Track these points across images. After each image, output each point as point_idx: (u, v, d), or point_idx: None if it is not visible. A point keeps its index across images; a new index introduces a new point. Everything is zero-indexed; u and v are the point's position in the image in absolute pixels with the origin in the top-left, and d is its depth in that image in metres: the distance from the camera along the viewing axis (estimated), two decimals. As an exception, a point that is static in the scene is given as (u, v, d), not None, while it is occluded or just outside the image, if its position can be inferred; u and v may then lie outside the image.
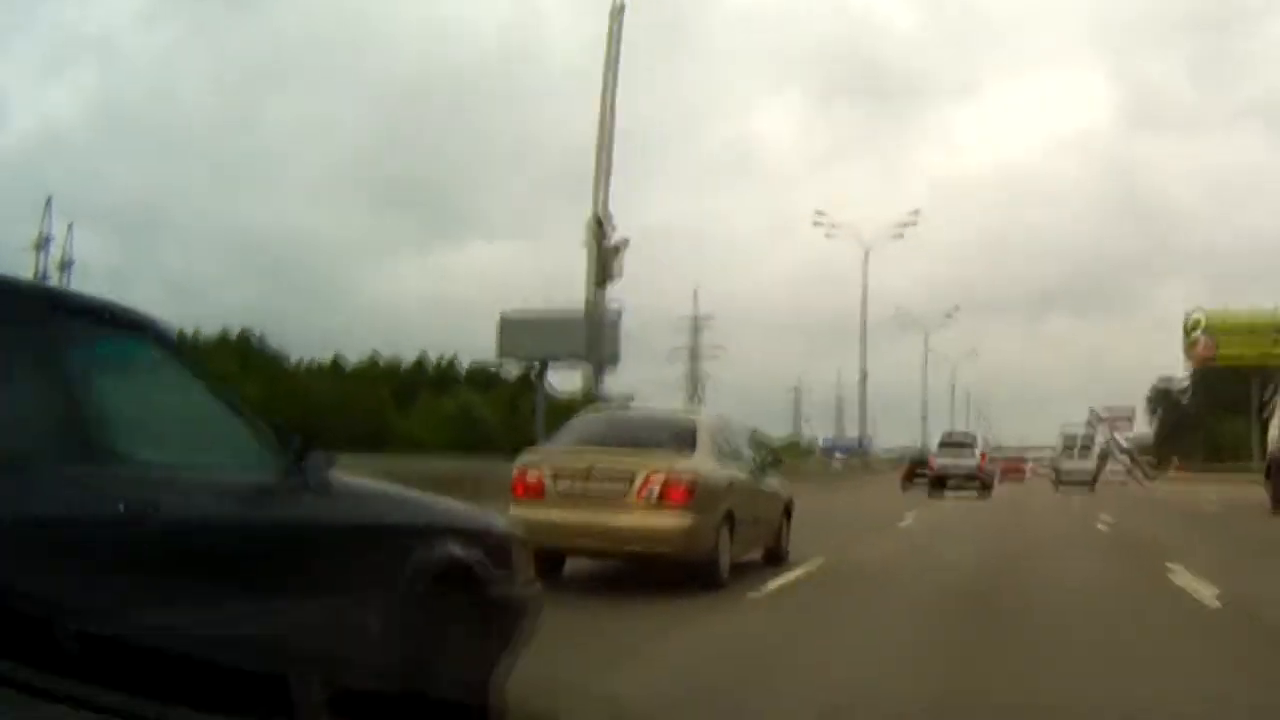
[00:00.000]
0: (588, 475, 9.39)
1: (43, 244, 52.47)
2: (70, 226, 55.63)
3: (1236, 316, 55.12)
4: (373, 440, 35.95)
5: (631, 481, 9.26)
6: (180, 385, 3.78)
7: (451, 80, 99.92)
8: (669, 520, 9.13)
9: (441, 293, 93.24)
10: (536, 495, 9.49)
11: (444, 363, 64.06)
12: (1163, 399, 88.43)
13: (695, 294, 78.68)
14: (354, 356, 59.64)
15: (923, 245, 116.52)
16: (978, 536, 16.94)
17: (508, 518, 6.33)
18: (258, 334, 55.81)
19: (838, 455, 69.48)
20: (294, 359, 56.16)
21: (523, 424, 50.88)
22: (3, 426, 3.10)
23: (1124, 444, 57.40)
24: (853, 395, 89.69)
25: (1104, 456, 52.26)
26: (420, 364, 63.45)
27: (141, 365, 3.72)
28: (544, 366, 48.70)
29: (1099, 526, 19.18)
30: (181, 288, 74.24)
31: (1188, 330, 55.65)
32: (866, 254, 44.88)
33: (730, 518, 9.71)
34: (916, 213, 45.90)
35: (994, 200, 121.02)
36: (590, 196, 28.55)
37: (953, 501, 30.31)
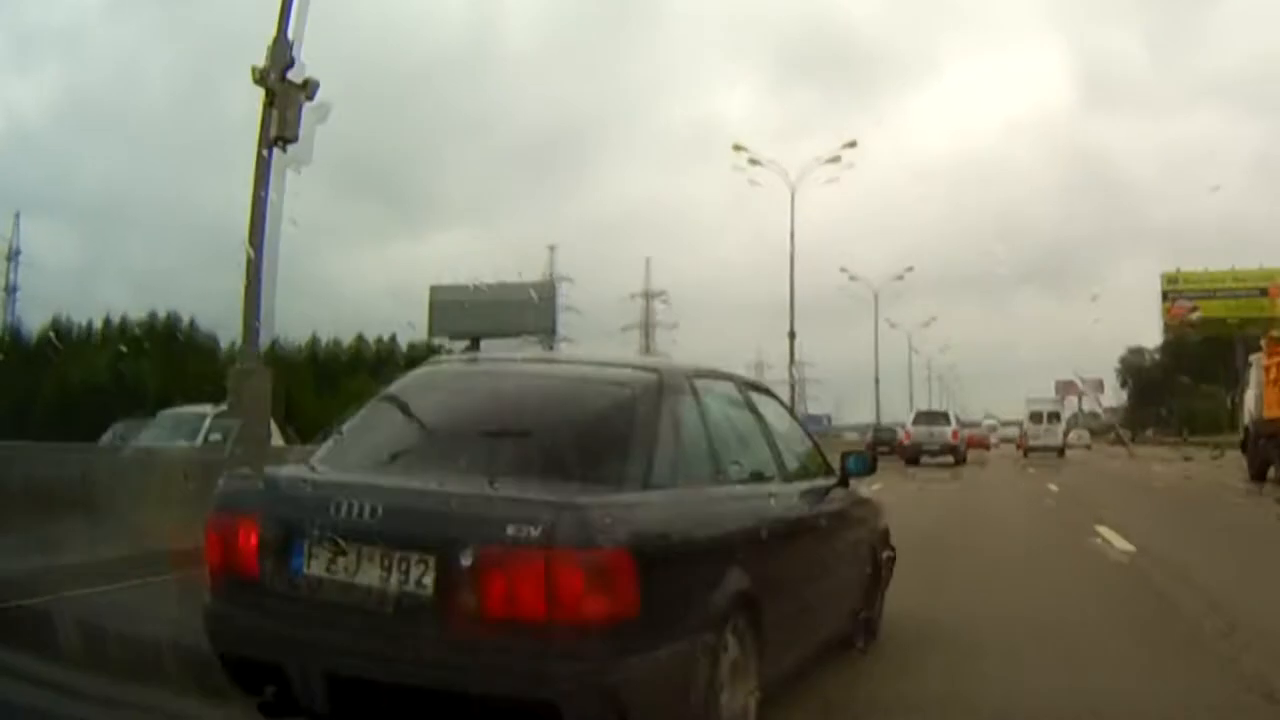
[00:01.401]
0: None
1: (12, 256, 52.92)
2: (17, 216, 53.72)
3: (1217, 275, 52.55)
4: (280, 425, 32.66)
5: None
6: (773, 421, 5.70)
7: (409, 60, 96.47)
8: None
9: (410, 278, 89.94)
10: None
11: (383, 345, 60.99)
12: (1134, 369, 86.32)
13: (647, 264, 75.58)
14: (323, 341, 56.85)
15: (887, 227, 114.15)
16: (942, 501, 19.31)
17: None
18: (187, 319, 52.51)
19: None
20: (226, 344, 53.17)
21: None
22: (760, 460, 5.35)
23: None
24: (814, 374, 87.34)
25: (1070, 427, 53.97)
26: (358, 347, 60.31)
27: (769, 412, 5.73)
28: (476, 344, 45.73)
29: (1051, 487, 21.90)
30: (144, 278, 71.24)
31: (1166, 289, 53.08)
32: (793, 194, 40.93)
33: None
34: (852, 144, 41.87)
35: (955, 179, 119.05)
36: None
37: (924, 471, 31.94)
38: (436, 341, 54.54)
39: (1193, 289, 53.11)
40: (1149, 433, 75.75)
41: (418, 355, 60.76)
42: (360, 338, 60.22)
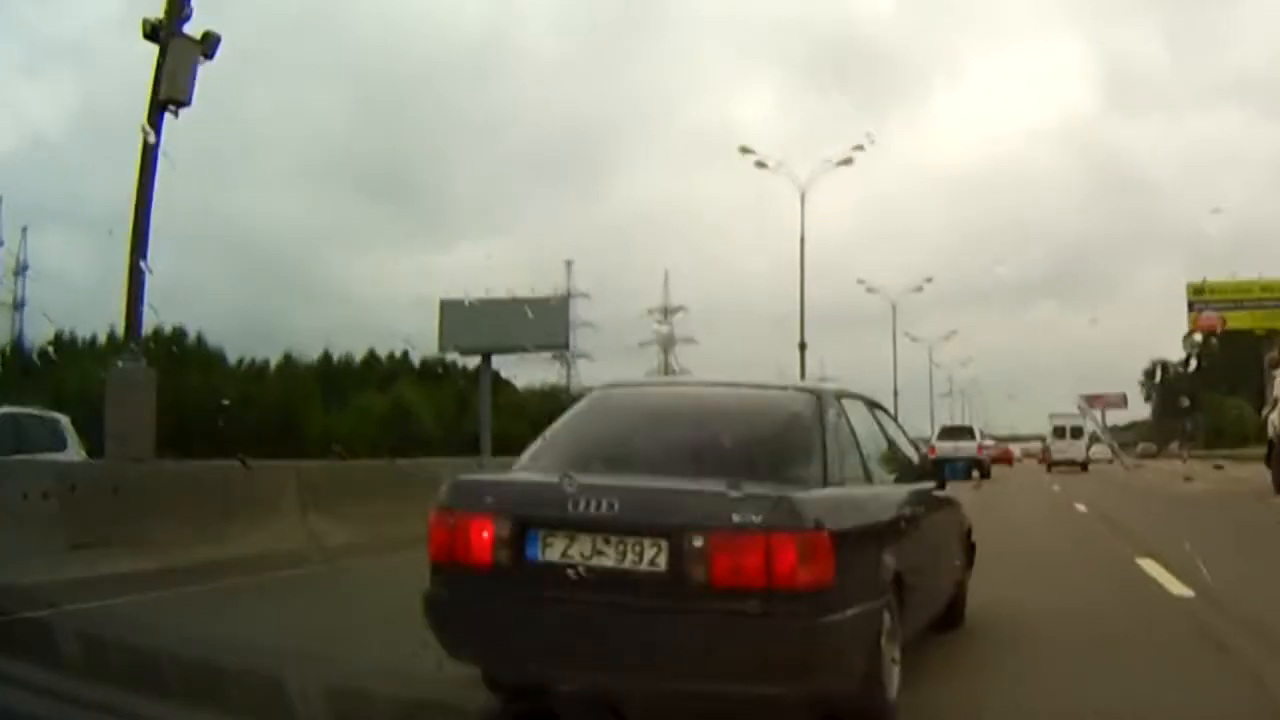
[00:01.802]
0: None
1: (20, 270, 53.95)
2: (24, 230, 53.71)
3: (1245, 284, 51.30)
4: (281, 441, 31.94)
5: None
6: (891, 433, 6.72)
7: (425, 66, 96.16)
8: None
9: (428, 289, 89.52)
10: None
11: (396, 358, 60.42)
12: (1158, 381, 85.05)
13: (665, 277, 74.80)
14: (336, 354, 56.65)
15: (905, 236, 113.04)
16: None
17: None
18: (194, 331, 52.03)
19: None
20: (239, 357, 52.59)
21: (470, 422, 47.14)
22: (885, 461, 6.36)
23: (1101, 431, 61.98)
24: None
25: (1092, 442, 55.59)
26: (370, 360, 59.74)
27: (887, 424, 6.72)
28: (487, 359, 44.97)
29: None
30: (165, 289, 71.09)
31: (1191, 299, 51.80)
32: (803, 197, 39.80)
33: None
34: (866, 139, 40.73)
35: (973, 186, 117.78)
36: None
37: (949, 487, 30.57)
38: (450, 357, 54.11)
39: (1220, 299, 51.83)
40: (1173, 446, 74.47)
41: (429, 369, 60.42)
42: (372, 353, 59.79)
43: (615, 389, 6.31)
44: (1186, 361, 68.58)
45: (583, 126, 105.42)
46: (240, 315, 77.99)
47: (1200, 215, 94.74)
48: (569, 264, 67.91)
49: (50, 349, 40.71)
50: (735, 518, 4.46)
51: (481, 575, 4.74)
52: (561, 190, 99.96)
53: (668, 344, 73.80)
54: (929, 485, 6.82)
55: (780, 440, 5.32)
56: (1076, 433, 53.56)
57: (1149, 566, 10.23)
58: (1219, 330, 53.18)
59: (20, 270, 56.02)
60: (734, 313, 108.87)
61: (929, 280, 58.27)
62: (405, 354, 59.28)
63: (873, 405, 6.61)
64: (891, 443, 6.61)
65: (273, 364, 52.31)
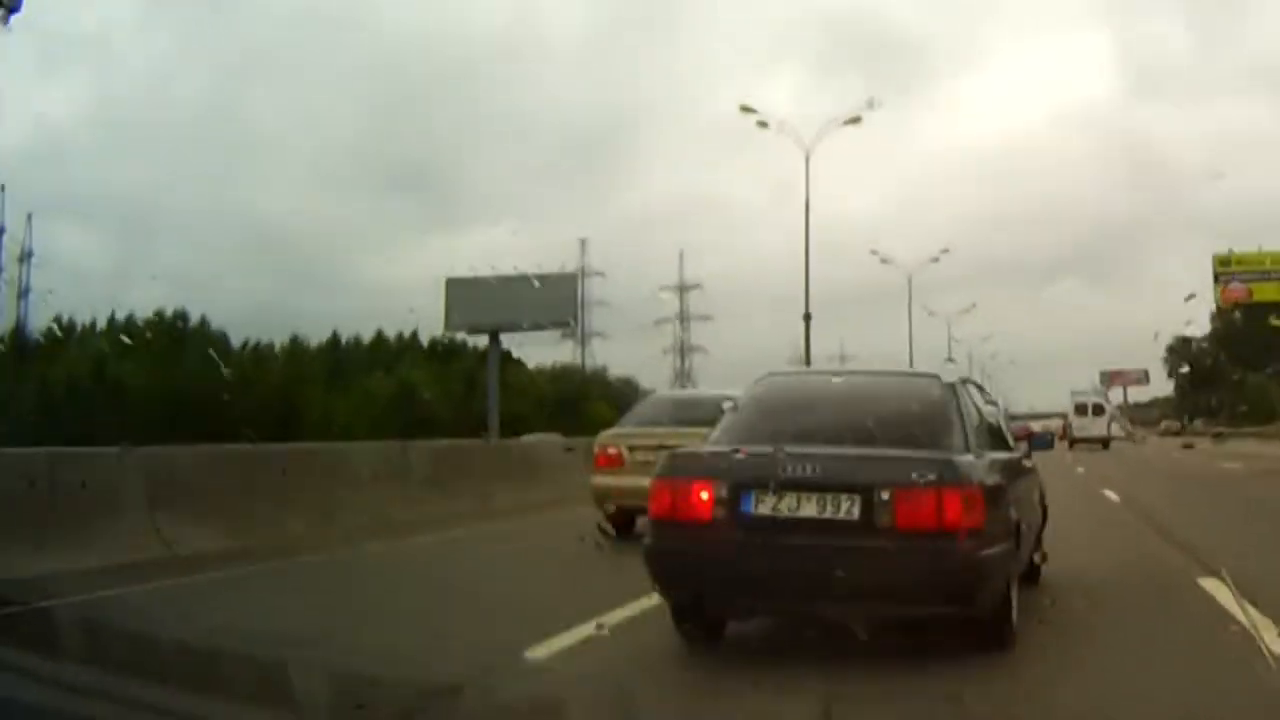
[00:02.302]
0: (659, 449, 9.18)
1: (25, 257, 51.23)
2: (29, 217, 53.05)
3: (1273, 255, 49.92)
4: (279, 425, 31.06)
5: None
6: (989, 412, 7.77)
7: (445, 60, 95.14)
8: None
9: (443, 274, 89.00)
10: (616, 465, 11.88)
11: (405, 338, 59.49)
12: (1181, 357, 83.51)
13: (681, 256, 73.70)
14: (345, 337, 56.01)
15: (926, 216, 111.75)
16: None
17: (590, 483, 12.26)
18: (198, 315, 51.31)
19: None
20: (241, 340, 51.84)
21: (478, 402, 46.14)
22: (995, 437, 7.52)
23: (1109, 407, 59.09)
24: (856, 367, 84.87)
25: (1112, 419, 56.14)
26: (379, 342, 58.85)
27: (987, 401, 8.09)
28: (495, 337, 43.98)
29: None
30: (189, 280, 70.98)
31: (1218, 271, 50.49)
32: (807, 158, 37.82)
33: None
34: (871, 104, 38.91)
35: (995, 170, 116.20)
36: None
37: None
38: (459, 337, 53.08)
39: (1246, 270, 50.55)
40: (1197, 423, 73.17)
41: (438, 349, 59.53)
42: (380, 333, 58.92)
43: (776, 377, 7.75)
44: (1210, 337, 67.48)
45: (603, 116, 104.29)
46: (263, 305, 77.63)
47: (1221, 199, 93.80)
48: (583, 242, 66.88)
49: (55, 330, 40.03)
50: (914, 476, 5.76)
51: (700, 527, 5.99)
52: (580, 178, 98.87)
53: (683, 320, 72.72)
54: (1021, 453, 8.14)
55: (929, 417, 6.58)
56: (1098, 410, 53.11)
57: (1217, 592, 7.31)
58: (1245, 301, 51.93)
59: (25, 257, 56.06)
60: (750, 292, 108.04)
61: (945, 251, 56.05)
62: (414, 335, 58.50)
63: (978, 387, 8.20)
64: (996, 417, 8.04)
65: (278, 348, 51.73)
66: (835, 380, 7.87)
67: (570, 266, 51.27)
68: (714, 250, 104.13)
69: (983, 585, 5.82)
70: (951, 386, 6.85)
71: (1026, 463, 8.10)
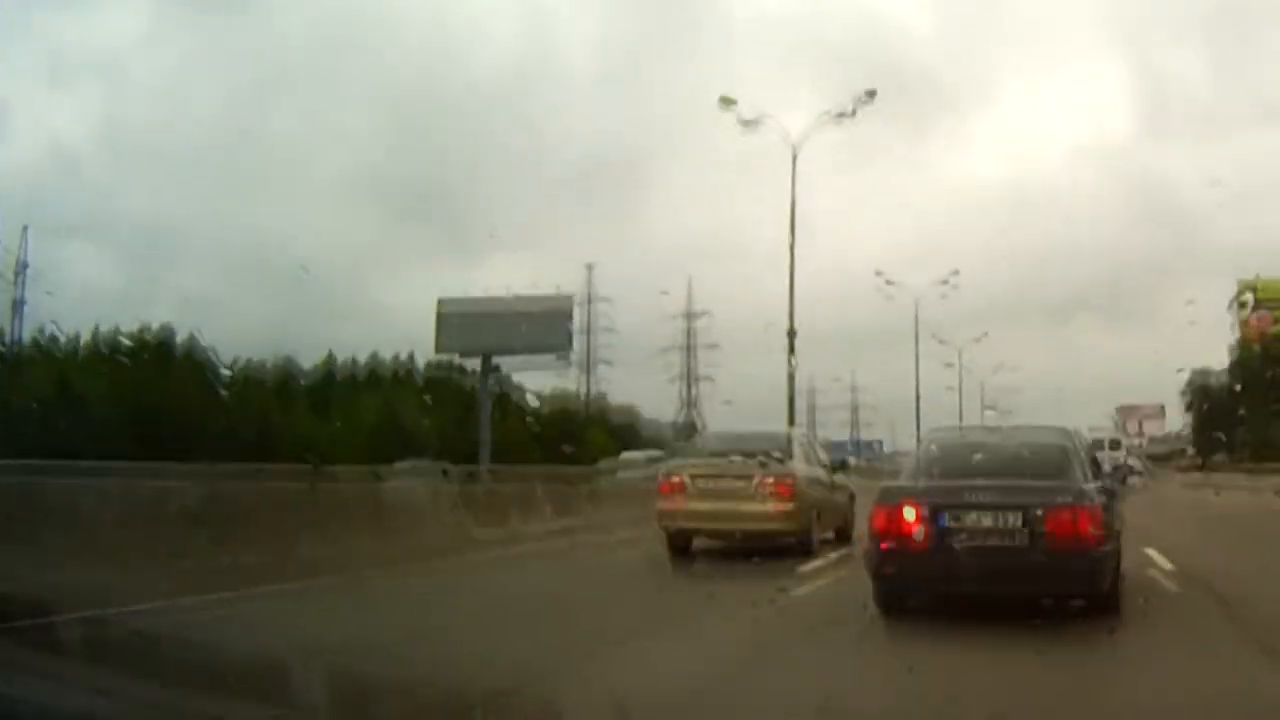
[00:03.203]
0: (719, 477, 14.13)
1: (20, 270, 50.92)
2: (25, 229, 52.11)
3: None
4: (253, 449, 29.45)
5: (751, 480, 14.08)
6: (1087, 449, 11.21)
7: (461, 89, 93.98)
8: (781, 507, 13.93)
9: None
10: (680, 491, 14.35)
11: (400, 363, 57.76)
12: (1199, 392, 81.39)
13: (689, 283, 71.89)
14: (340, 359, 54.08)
15: (941, 255, 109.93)
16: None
17: (657, 509, 14.73)
18: (187, 335, 49.75)
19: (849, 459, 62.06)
20: (232, 360, 50.23)
21: (473, 429, 44.42)
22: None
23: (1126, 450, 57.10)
24: (867, 399, 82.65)
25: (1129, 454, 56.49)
26: (374, 367, 57.12)
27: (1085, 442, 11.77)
28: (487, 361, 42.35)
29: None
30: (198, 303, 69.75)
31: (1240, 303, 48.79)
32: (794, 157, 34.85)
33: (817, 505, 14.41)
34: (871, 93, 36.33)
35: (1009, 206, 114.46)
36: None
37: None
38: (456, 360, 51.33)
39: (1271, 298, 48.85)
40: (1220, 457, 71.14)
41: (434, 374, 57.85)
42: (375, 357, 57.20)
43: (939, 432, 11.66)
44: (1230, 371, 65.60)
45: (611, 145, 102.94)
46: (274, 327, 76.26)
47: (1238, 235, 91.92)
48: (589, 267, 65.01)
49: (38, 342, 38.82)
50: (1058, 499, 8.77)
51: (909, 536, 8.89)
52: (588, 207, 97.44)
53: (690, 349, 70.98)
54: (1111, 480, 10.69)
55: (1059, 457, 9.63)
56: (1115, 445, 51.87)
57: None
58: (1270, 330, 50.17)
59: (20, 270, 55.12)
60: (758, 322, 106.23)
61: (956, 273, 52.98)
62: (411, 358, 56.84)
63: (1078, 434, 11.31)
64: (1093, 455, 10.88)
65: (270, 367, 50.13)
66: (992, 432, 11.54)
67: (580, 293, 49.56)
68: (723, 280, 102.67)
69: (1105, 576, 8.74)
70: (1070, 434, 10.23)
71: (1116, 486, 11.23)
